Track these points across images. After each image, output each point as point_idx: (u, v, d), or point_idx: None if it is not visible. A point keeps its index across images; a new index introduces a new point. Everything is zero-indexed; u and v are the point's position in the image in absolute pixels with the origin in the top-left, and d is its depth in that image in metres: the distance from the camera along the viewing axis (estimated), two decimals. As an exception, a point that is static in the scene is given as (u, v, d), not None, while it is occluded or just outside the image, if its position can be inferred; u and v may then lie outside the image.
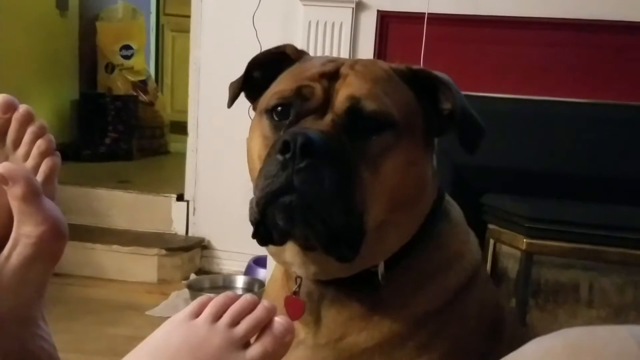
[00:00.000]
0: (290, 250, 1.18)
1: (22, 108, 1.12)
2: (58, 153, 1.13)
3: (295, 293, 1.25)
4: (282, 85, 1.20)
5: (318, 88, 1.14)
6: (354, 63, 1.20)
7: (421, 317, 1.20)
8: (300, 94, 1.15)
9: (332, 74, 1.16)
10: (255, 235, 1.12)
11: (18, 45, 4.63)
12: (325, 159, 1.03)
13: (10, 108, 1.11)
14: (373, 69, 1.20)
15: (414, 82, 1.21)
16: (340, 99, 1.12)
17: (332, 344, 1.20)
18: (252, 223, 1.10)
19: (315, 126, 1.08)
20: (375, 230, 1.12)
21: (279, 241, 1.12)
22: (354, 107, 1.11)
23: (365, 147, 1.10)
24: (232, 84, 1.36)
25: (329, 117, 1.11)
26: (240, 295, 0.95)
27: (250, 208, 1.09)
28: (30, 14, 4.77)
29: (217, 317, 0.91)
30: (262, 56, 1.33)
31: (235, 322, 0.90)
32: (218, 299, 0.93)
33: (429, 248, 1.24)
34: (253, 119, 1.24)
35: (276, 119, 1.17)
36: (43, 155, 1.10)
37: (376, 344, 1.18)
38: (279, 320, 0.92)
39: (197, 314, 0.92)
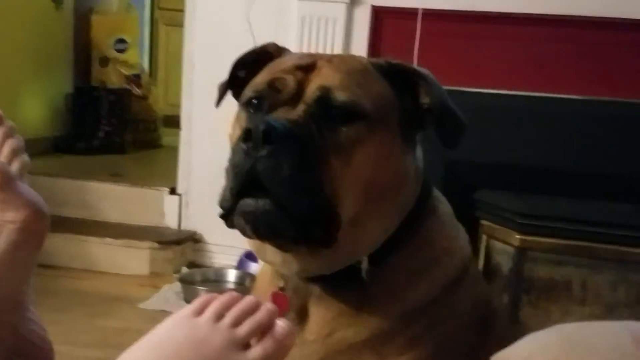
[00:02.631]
0: (271, 250, 1.19)
1: None
2: (26, 153, 1.15)
3: (282, 289, 1.26)
4: (258, 78, 1.22)
5: (290, 79, 1.15)
6: (332, 57, 1.22)
7: (410, 312, 1.20)
8: (272, 85, 1.16)
9: (308, 66, 1.17)
10: (223, 219, 1.12)
11: (12, 38, 4.61)
12: (289, 146, 1.04)
13: None
14: (350, 62, 1.21)
15: (393, 76, 1.21)
16: (311, 88, 1.13)
17: (321, 340, 1.21)
18: (221, 208, 1.11)
19: (286, 116, 1.09)
20: (352, 223, 1.13)
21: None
22: (324, 97, 1.12)
23: (336, 137, 1.10)
24: (220, 85, 1.38)
25: (300, 107, 1.12)
26: (243, 296, 0.95)
27: (222, 193, 1.10)
28: (25, 7, 4.75)
29: (220, 316, 0.92)
30: (246, 56, 1.34)
31: (237, 323, 0.91)
32: (222, 299, 0.94)
33: (416, 244, 1.24)
34: (235, 114, 1.25)
35: (251, 111, 1.19)
36: (14, 154, 1.12)
37: (365, 339, 1.19)
38: (281, 324, 0.93)
39: (200, 311, 0.93)
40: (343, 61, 1.20)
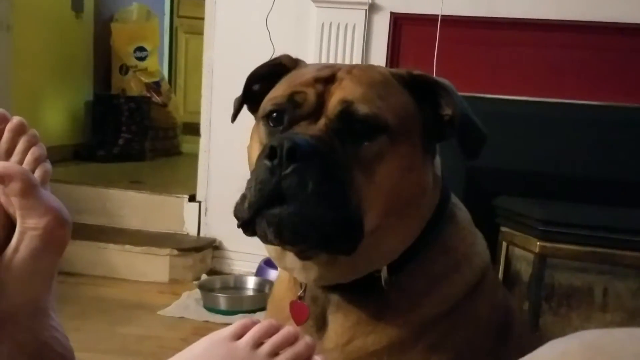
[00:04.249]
0: (290, 256, 1.19)
1: (15, 119, 1.14)
2: (49, 161, 1.15)
3: (301, 298, 1.26)
4: (277, 91, 1.21)
5: (311, 93, 1.14)
6: (351, 68, 1.20)
7: (429, 319, 1.20)
8: (293, 99, 1.15)
9: (327, 78, 1.16)
10: (242, 228, 1.12)
11: (34, 46, 4.65)
12: (314, 164, 1.03)
13: (3, 120, 1.13)
14: (370, 74, 1.19)
15: (414, 87, 1.20)
16: (333, 102, 1.12)
17: (340, 348, 1.20)
18: (238, 218, 1.11)
19: (308, 131, 1.09)
20: (373, 234, 1.12)
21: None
22: (347, 111, 1.11)
23: (359, 151, 1.09)
24: (235, 99, 1.37)
25: (322, 122, 1.11)
26: (283, 326, 0.95)
27: (239, 204, 1.10)
28: (46, 15, 4.79)
29: (258, 343, 0.92)
30: (260, 69, 1.34)
31: (275, 353, 0.91)
32: (262, 325, 0.94)
33: (435, 252, 1.24)
34: (253, 127, 1.25)
35: (271, 125, 1.18)
36: (37, 162, 1.13)
37: (384, 347, 1.18)
38: (318, 359, 0.93)
39: (239, 335, 0.93)
40: (363, 72, 1.19)
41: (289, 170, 1.02)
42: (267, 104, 1.20)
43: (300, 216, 1.04)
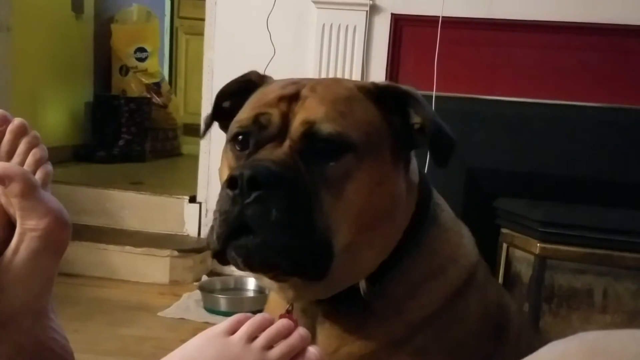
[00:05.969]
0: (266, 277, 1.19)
1: (17, 120, 1.14)
2: (50, 163, 1.16)
3: (289, 311, 1.25)
4: (242, 114, 1.20)
5: (275, 113, 1.13)
6: (316, 84, 1.18)
7: (417, 322, 1.19)
8: (257, 121, 1.14)
9: (292, 96, 1.15)
10: (214, 258, 1.12)
11: (34, 47, 4.65)
12: (276, 191, 1.02)
13: (4, 121, 1.13)
14: (335, 90, 1.18)
15: (382, 99, 1.19)
16: (296, 124, 1.11)
17: (329, 356, 1.19)
18: (209, 249, 1.11)
19: (272, 155, 1.08)
20: (347, 251, 1.11)
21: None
22: (310, 132, 1.09)
23: (325, 171, 1.08)
24: (205, 117, 1.38)
25: (287, 144, 1.10)
26: (276, 319, 0.96)
27: (209, 235, 1.10)
28: (45, 16, 4.79)
29: (252, 337, 0.92)
30: (229, 87, 1.34)
31: (269, 346, 0.91)
32: (255, 319, 0.94)
33: (418, 255, 1.23)
34: (223, 149, 1.24)
35: (238, 149, 1.17)
36: (38, 163, 1.13)
37: (372, 352, 1.18)
38: (313, 351, 0.93)
39: (233, 330, 0.93)
40: (327, 89, 1.17)
41: (250, 198, 1.01)
42: (233, 126, 1.19)
43: (267, 245, 1.03)
